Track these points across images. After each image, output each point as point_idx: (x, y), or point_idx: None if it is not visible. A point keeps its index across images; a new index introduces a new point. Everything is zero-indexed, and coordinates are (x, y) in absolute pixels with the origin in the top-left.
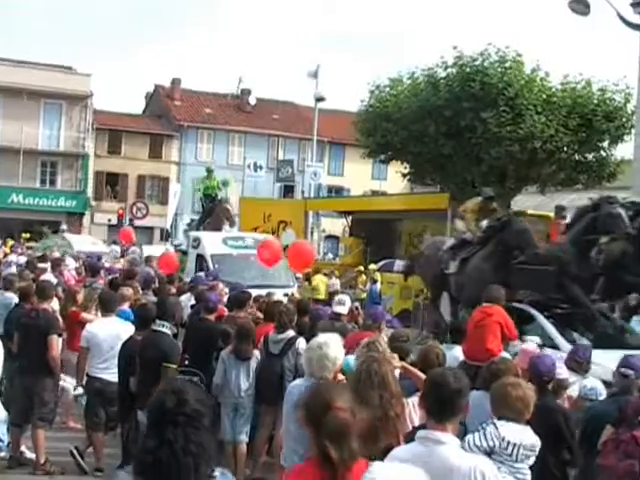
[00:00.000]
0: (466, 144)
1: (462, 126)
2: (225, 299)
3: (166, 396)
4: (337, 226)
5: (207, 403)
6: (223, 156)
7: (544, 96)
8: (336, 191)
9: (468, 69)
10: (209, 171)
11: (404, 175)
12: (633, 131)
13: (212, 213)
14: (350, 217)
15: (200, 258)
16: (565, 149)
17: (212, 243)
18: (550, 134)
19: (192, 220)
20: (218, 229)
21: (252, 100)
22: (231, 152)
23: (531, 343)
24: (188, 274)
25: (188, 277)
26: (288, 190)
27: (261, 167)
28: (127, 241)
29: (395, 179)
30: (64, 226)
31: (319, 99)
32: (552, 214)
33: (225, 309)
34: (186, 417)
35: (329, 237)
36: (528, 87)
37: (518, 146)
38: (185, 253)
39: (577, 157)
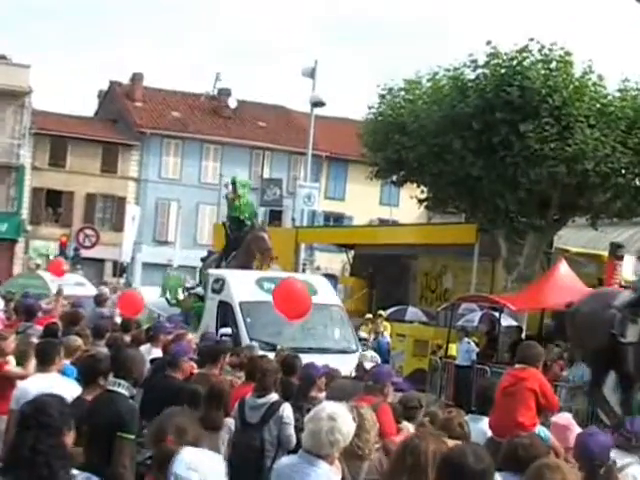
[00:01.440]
0: (499, 164)
1: (495, 141)
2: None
3: (27, 405)
4: (335, 263)
5: (68, 413)
6: (194, 172)
7: (598, 105)
8: (335, 219)
9: (504, 70)
10: (236, 184)
11: (421, 201)
12: None
13: (240, 244)
14: (352, 252)
15: (224, 307)
16: (623, 172)
17: (242, 286)
18: (605, 153)
19: (210, 253)
20: (247, 267)
21: (232, 103)
22: (204, 168)
23: (564, 415)
24: (207, 329)
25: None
26: (275, 216)
27: None
28: (58, 275)
29: (409, 205)
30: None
31: (316, 104)
32: (605, 253)
33: (194, 365)
34: (39, 422)
35: (325, 276)
36: (578, 94)
37: (564, 167)
38: (202, 299)
39: (638, 182)
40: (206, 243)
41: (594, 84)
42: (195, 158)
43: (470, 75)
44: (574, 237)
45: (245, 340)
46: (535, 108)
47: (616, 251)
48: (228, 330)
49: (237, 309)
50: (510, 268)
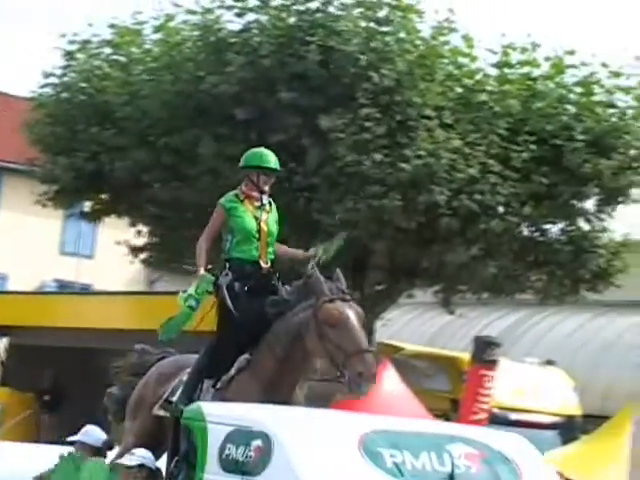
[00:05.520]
0: (283, 186)
1: (273, 144)
2: None
3: None
4: None
5: None
6: None
7: (459, 90)
8: None
9: (294, 19)
10: (268, 163)
11: (136, 250)
12: None
13: (263, 333)
14: (4, 339)
15: None
16: (501, 210)
17: (326, 456)
18: (470, 175)
19: (164, 354)
20: (284, 396)
21: None
22: None
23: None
24: None
25: None
26: None
27: None
28: None
29: (115, 258)
30: None
31: None
32: (465, 355)
33: None
34: None
35: None
36: (425, 68)
37: (397, 198)
38: None
39: (526, 230)
40: None
41: (454, 51)
42: None
43: (233, 24)
44: (412, 325)
45: None
46: (348, 88)
47: (484, 352)
48: None
49: None
50: None
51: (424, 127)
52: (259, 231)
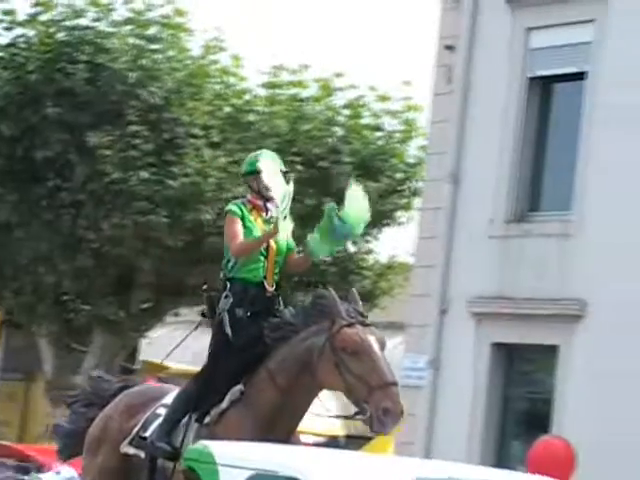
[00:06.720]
0: (48, 203)
1: (39, 160)
2: None
3: None
4: None
5: None
6: None
7: (228, 109)
8: None
9: (63, 33)
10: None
11: None
12: (417, 200)
13: (259, 363)
14: None
15: None
16: None
17: None
18: (237, 194)
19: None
20: (281, 434)
21: None
22: None
23: None
24: None
25: None
26: None
27: None
28: None
29: None
30: None
31: None
32: None
33: None
34: None
35: None
36: (193, 86)
37: (165, 214)
38: None
39: None
40: None
41: (223, 70)
42: None
43: (1, 38)
44: (176, 343)
45: None
46: (116, 105)
47: None
48: None
49: None
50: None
51: (192, 146)
52: (267, 248)
